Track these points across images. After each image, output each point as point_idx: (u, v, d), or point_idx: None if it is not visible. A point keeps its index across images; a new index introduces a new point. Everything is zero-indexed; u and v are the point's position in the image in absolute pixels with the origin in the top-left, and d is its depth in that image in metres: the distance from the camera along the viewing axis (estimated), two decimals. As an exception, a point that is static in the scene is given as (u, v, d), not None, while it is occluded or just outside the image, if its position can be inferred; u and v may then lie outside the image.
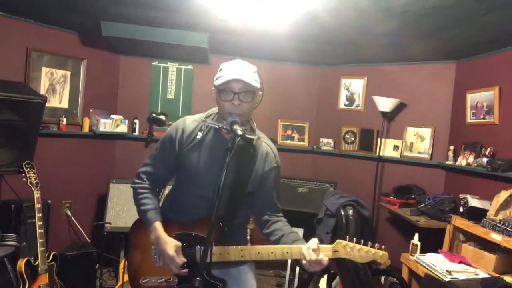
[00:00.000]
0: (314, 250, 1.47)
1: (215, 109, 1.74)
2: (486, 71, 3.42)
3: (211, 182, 1.57)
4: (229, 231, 1.61)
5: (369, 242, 1.50)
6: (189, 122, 1.72)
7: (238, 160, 1.61)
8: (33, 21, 3.51)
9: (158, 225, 1.63)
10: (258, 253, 1.57)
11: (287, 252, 1.54)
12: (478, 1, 2.31)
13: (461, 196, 3.12)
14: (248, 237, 3.34)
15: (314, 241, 1.51)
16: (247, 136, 1.52)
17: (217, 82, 1.58)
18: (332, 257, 1.49)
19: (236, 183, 1.61)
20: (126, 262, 1.78)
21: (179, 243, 1.59)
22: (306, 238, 1.55)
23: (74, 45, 3.86)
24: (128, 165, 4.28)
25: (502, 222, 2.52)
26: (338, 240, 1.50)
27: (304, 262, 1.49)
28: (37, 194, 2.80)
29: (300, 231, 3.79)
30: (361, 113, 4.37)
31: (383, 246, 1.50)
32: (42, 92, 3.58)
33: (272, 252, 1.56)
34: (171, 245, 1.58)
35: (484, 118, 3.36)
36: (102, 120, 3.94)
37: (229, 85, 1.55)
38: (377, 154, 4.01)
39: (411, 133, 4.07)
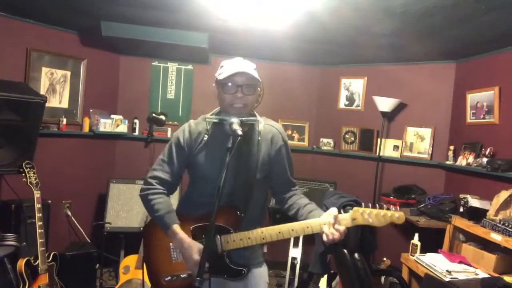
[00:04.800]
0: (333, 222, 1.49)
1: (216, 110, 1.79)
2: (486, 71, 3.42)
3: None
4: (246, 217, 1.64)
5: (384, 205, 1.51)
6: (194, 124, 1.76)
7: (247, 148, 1.66)
8: (33, 21, 3.50)
9: (177, 228, 1.64)
10: (279, 232, 1.57)
11: (308, 228, 1.55)
12: (478, 1, 2.31)
13: (461, 196, 3.12)
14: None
15: (332, 212, 1.52)
16: (249, 122, 1.63)
17: (220, 77, 1.63)
18: (352, 225, 1.51)
19: (247, 170, 1.65)
20: (144, 264, 1.78)
21: (202, 246, 1.60)
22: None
23: (74, 45, 3.86)
24: (128, 165, 4.29)
25: (502, 222, 2.52)
26: (355, 208, 1.51)
27: (325, 238, 1.51)
28: (37, 194, 2.80)
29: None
30: (361, 113, 4.37)
31: (398, 208, 1.51)
32: (42, 92, 3.58)
33: (292, 230, 1.57)
34: (195, 249, 1.59)
35: (484, 118, 3.36)
36: (102, 120, 3.94)
37: (233, 78, 1.61)
38: (377, 154, 4.01)
39: (411, 133, 4.06)
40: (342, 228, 1.48)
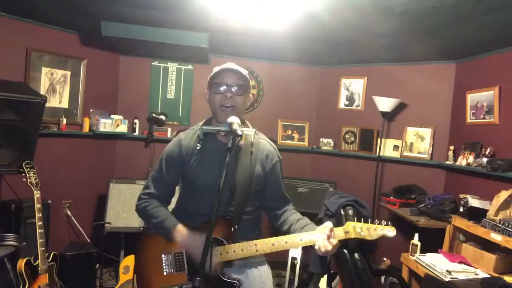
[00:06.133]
0: (329, 234, 1.50)
1: (205, 120, 1.79)
2: (486, 71, 3.42)
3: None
4: (240, 229, 1.63)
5: (376, 220, 1.57)
6: (184, 137, 1.75)
7: (241, 160, 1.64)
8: (33, 21, 3.50)
9: (180, 227, 1.64)
10: (273, 244, 1.57)
11: (301, 240, 1.56)
12: (478, 1, 2.31)
13: (461, 196, 3.12)
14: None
15: (328, 225, 1.53)
16: (245, 132, 1.59)
17: (211, 76, 1.65)
18: (345, 238, 1.54)
19: (241, 181, 1.64)
20: (135, 278, 1.77)
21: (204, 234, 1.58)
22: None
23: (74, 45, 3.86)
24: (128, 165, 4.29)
25: (502, 222, 2.52)
26: (348, 222, 1.56)
27: (317, 250, 1.51)
28: (37, 194, 2.80)
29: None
30: (361, 113, 4.37)
31: (389, 222, 1.57)
32: (42, 92, 3.58)
33: (286, 242, 1.57)
34: (198, 235, 1.59)
35: (484, 118, 3.36)
36: (102, 120, 3.94)
37: (222, 76, 1.61)
38: (377, 154, 4.01)
39: (411, 133, 4.06)
40: (335, 241, 1.50)
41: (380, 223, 1.56)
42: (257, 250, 1.58)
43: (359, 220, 1.56)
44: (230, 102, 1.62)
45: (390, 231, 1.55)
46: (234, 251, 1.59)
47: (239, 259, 1.64)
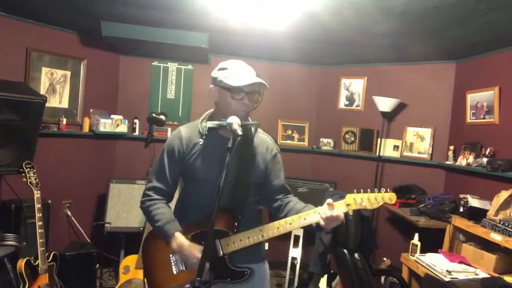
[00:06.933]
0: (329, 204, 1.53)
1: (208, 112, 1.78)
2: (486, 71, 3.42)
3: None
4: (243, 221, 1.65)
5: (376, 189, 1.56)
6: (185, 131, 1.75)
7: (241, 152, 1.65)
8: (33, 21, 3.50)
9: (178, 235, 1.64)
10: (278, 228, 1.60)
11: (304, 219, 1.58)
12: (478, 1, 2.32)
13: (461, 196, 3.12)
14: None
15: (328, 201, 1.56)
16: (247, 124, 1.64)
17: (233, 83, 1.61)
18: (346, 211, 1.55)
19: (243, 173, 1.66)
20: (145, 279, 1.77)
21: (202, 247, 1.58)
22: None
23: (74, 45, 3.86)
24: (128, 165, 4.29)
25: (502, 222, 2.52)
26: (348, 194, 1.56)
27: (322, 223, 1.53)
28: (37, 194, 2.80)
29: (300, 231, 3.80)
30: (361, 113, 4.37)
31: (389, 189, 1.57)
32: (42, 92, 3.58)
33: (290, 223, 1.59)
34: (196, 249, 1.59)
35: (484, 118, 3.36)
36: (102, 120, 3.94)
37: (242, 83, 1.61)
38: (377, 154, 4.01)
39: (411, 133, 4.07)
40: (336, 211, 1.52)
41: (379, 191, 1.56)
42: (262, 236, 1.60)
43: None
44: (247, 108, 1.65)
45: (390, 198, 1.55)
46: (240, 240, 1.61)
47: (240, 257, 1.65)
